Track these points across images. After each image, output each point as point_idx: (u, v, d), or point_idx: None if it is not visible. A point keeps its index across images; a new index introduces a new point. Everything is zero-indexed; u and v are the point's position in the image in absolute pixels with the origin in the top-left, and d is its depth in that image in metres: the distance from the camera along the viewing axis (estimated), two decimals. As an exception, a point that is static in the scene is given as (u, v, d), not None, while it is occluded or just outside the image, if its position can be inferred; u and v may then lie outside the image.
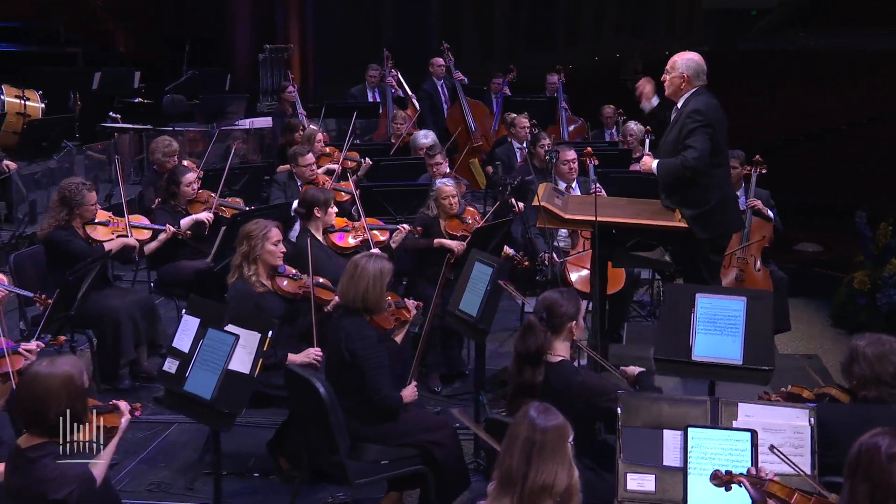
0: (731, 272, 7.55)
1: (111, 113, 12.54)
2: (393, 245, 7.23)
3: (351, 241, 6.97)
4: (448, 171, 8.60)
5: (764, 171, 7.92)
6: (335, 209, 6.97)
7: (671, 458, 4.11)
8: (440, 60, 12.27)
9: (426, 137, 9.75)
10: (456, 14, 20.69)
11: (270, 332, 4.51)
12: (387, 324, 5.32)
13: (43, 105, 11.98)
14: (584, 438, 4.28)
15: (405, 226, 7.24)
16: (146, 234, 7.16)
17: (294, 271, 6.01)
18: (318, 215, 6.85)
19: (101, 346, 6.74)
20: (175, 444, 6.20)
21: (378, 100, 12.09)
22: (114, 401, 4.28)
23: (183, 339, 4.74)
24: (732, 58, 24.90)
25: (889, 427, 3.95)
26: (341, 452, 4.86)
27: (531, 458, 3.30)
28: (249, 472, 5.85)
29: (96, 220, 6.89)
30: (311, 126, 10.37)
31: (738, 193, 7.92)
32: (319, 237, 6.85)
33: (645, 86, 6.57)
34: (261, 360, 4.49)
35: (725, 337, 5.22)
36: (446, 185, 7.39)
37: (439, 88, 12.25)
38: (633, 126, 10.00)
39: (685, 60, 6.29)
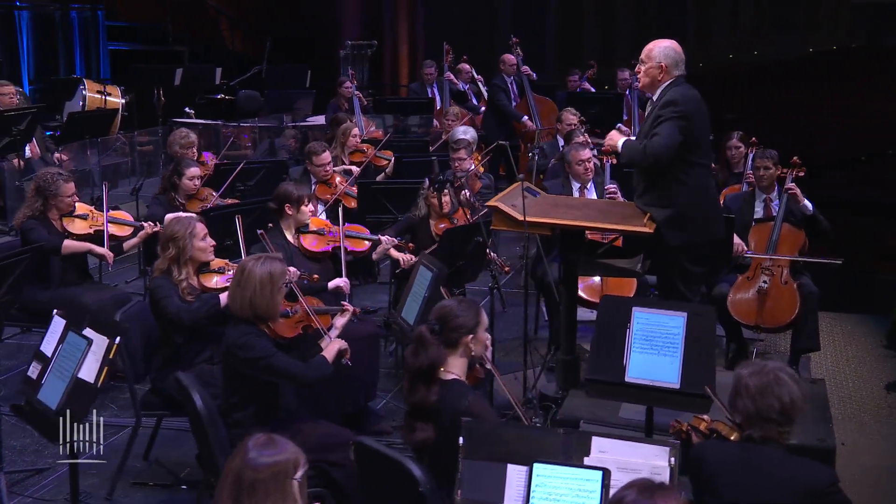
0: (754, 284, 6.83)
1: (186, 108, 12.60)
2: (375, 257, 6.84)
3: (323, 246, 6.54)
4: (470, 167, 8.13)
5: (801, 175, 7.15)
6: (310, 208, 6.58)
7: (513, 496, 3.55)
8: (511, 57, 11.77)
9: (465, 133, 9.28)
10: (577, 9, 19.95)
11: (117, 339, 4.18)
12: (287, 332, 4.86)
13: (124, 101, 12.18)
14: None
15: (388, 238, 6.74)
16: (127, 230, 6.99)
17: (223, 263, 5.66)
18: (290, 213, 6.47)
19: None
20: (118, 450, 5.92)
21: (437, 95, 11.69)
22: None
23: (49, 343, 4.46)
24: (879, 54, 23.35)
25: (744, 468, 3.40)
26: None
27: (240, 500, 2.84)
28: (178, 483, 5.56)
29: (75, 213, 6.76)
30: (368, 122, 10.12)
31: (772, 197, 7.27)
32: (290, 236, 6.49)
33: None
34: (106, 368, 4.16)
35: (662, 357, 4.60)
36: None
37: (509, 85, 11.74)
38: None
39: (662, 49, 5.74)
